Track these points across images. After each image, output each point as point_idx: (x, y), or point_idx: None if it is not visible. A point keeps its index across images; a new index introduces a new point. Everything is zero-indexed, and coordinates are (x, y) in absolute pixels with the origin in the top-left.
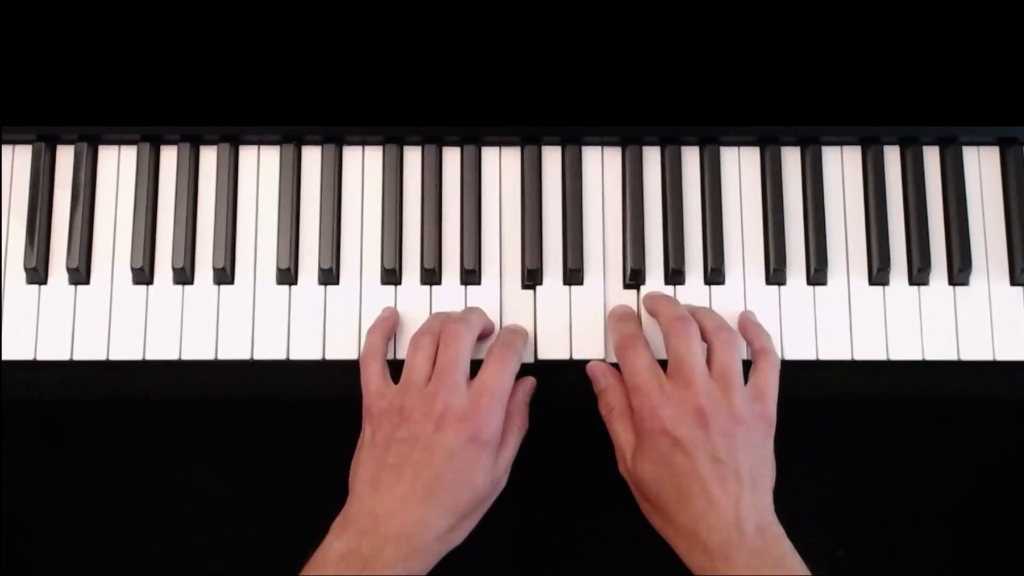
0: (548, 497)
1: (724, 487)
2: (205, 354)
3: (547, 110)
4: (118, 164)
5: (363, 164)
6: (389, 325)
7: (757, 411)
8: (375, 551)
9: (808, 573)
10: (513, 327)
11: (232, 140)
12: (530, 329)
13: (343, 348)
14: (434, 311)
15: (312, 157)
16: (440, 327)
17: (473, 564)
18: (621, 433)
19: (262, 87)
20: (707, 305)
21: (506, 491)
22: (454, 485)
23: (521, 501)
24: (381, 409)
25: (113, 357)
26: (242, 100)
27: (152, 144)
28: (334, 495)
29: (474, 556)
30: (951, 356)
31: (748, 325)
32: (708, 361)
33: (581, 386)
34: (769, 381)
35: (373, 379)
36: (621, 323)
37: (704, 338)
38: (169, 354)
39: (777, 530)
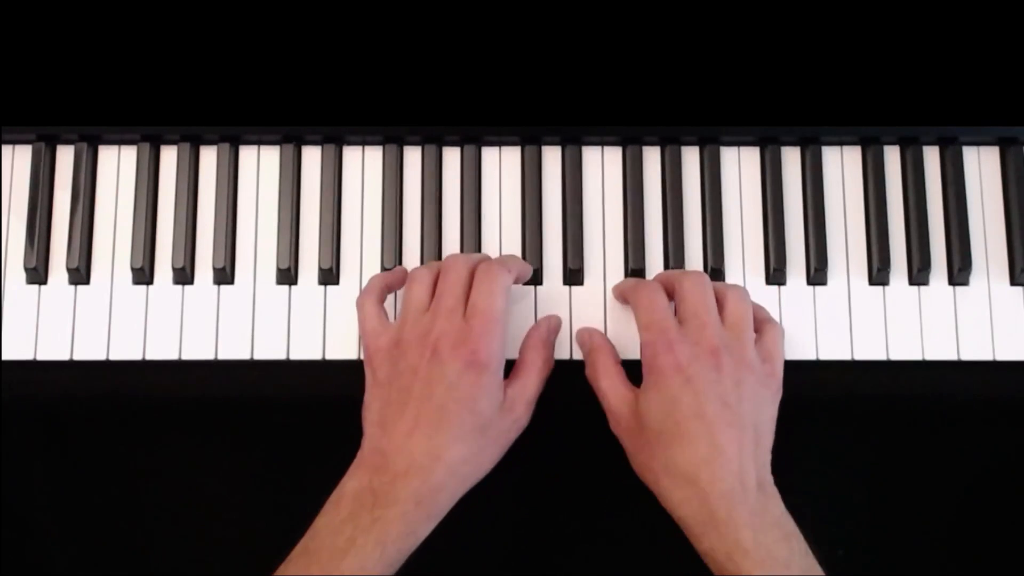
0: (549, 497)
1: (729, 433)
2: (205, 354)
3: (547, 110)
4: (118, 164)
5: (363, 164)
6: (394, 275)
7: (767, 370)
8: (385, 486)
9: (800, 534)
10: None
11: (232, 140)
12: None
13: (343, 348)
14: None
15: (312, 157)
16: (439, 262)
17: (473, 564)
18: (611, 389)
19: (262, 87)
20: None
21: (506, 491)
22: (458, 413)
23: (522, 501)
24: (379, 347)
25: (113, 357)
26: (242, 100)
27: (152, 144)
28: None
29: (474, 556)
30: (951, 356)
31: None
32: (720, 312)
33: (582, 386)
34: (776, 344)
35: (368, 319)
36: (632, 280)
37: (716, 297)
38: (169, 354)
39: (773, 489)
